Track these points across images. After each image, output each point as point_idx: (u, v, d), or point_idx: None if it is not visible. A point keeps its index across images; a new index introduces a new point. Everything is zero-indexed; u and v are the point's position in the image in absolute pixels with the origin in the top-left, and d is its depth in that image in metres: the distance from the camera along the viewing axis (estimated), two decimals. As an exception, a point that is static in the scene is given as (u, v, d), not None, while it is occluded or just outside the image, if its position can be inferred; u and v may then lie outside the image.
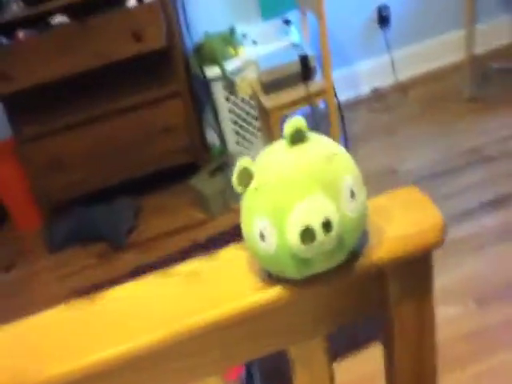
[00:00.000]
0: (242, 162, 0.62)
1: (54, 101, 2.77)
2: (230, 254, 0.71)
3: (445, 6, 3.19)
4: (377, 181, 2.47)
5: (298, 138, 0.62)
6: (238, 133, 2.97)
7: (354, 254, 0.64)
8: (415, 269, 0.68)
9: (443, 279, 1.85)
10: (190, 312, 0.64)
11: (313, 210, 0.58)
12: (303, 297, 0.67)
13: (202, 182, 2.75)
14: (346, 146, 2.73)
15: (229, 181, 2.59)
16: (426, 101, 3.07)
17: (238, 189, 0.63)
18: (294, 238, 0.58)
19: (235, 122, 2.94)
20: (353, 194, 0.61)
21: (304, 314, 0.69)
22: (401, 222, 0.67)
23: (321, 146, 0.63)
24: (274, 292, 0.64)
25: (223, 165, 2.82)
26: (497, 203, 2.27)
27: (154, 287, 0.69)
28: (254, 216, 0.61)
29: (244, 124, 2.96)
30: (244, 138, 2.99)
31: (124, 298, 0.69)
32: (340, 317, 0.71)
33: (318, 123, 2.76)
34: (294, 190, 0.59)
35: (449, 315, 1.82)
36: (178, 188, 2.93)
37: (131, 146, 2.84)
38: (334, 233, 0.58)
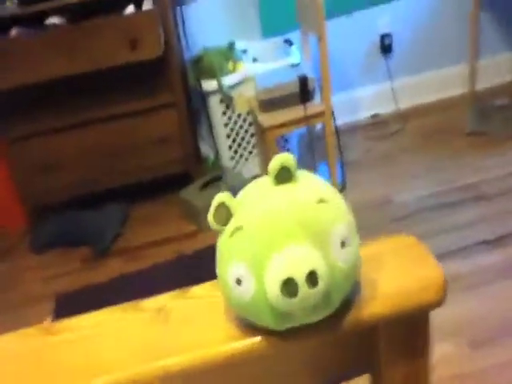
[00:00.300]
0: (220, 198, 0.55)
1: (46, 102, 2.72)
2: (205, 292, 0.64)
3: (448, 39, 3.19)
4: (371, 210, 2.43)
5: (284, 176, 0.55)
6: (232, 148, 2.92)
7: (343, 307, 0.57)
8: (410, 328, 0.61)
9: (435, 316, 1.76)
10: (153, 356, 0.57)
11: (297, 259, 0.51)
12: (282, 349, 0.60)
13: (194, 194, 2.71)
14: (342, 173, 2.67)
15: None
16: (425, 132, 3.03)
17: (214, 226, 0.56)
18: (273, 289, 0.51)
19: (230, 137, 2.89)
20: (343, 244, 0.54)
21: (283, 366, 0.63)
22: (397, 275, 0.60)
23: (310, 188, 0.56)
24: (249, 342, 0.57)
25: (216, 178, 2.77)
26: (493, 242, 2.21)
27: (120, 321, 0.63)
28: (231, 260, 0.55)
29: (239, 140, 2.91)
30: (239, 153, 2.94)
31: (87, 329, 0.63)
32: (325, 371, 0.64)
33: (315, 146, 2.71)
34: (276, 235, 0.52)
35: (441, 353, 1.76)
36: (168, 198, 2.89)
37: (123, 153, 2.81)
38: (320, 287, 0.51)
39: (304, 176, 0.57)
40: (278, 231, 0.52)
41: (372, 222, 2.32)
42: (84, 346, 0.60)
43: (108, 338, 0.61)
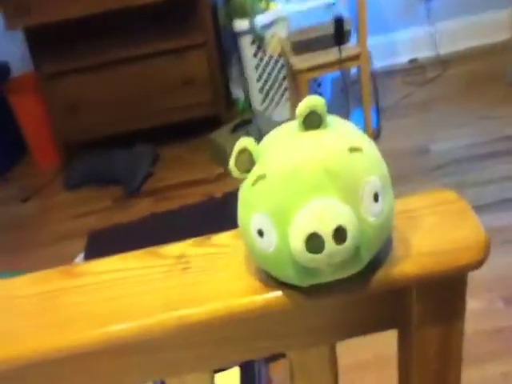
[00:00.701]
0: (242, 142, 0.51)
1: (77, 40, 2.73)
2: (227, 240, 0.60)
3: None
4: (405, 159, 2.36)
5: (313, 122, 0.50)
6: (263, 91, 2.85)
7: (372, 265, 0.52)
8: (446, 290, 0.57)
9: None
10: (174, 305, 0.54)
11: (324, 213, 0.46)
12: (304, 306, 0.56)
13: (224, 138, 2.68)
14: (377, 119, 2.59)
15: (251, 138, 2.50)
16: (465, 79, 2.92)
17: (235, 173, 0.51)
18: (297, 244, 0.47)
19: (261, 80, 2.82)
20: (376, 197, 0.49)
21: (305, 323, 0.59)
22: (433, 233, 0.55)
23: (341, 135, 0.51)
24: (271, 297, 0.54)
25: (246, 122, 2.73)
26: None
27: (139, 267, 0.60)
28: (253, 210, 0.51)
29: (271, 82, 2.85)
30: (270, 97, 2.87)
31: (105, 274, 0.60)
32: (349, 330, 0.60)
33: (349, 90, 2.62)
34: (302, 186, 0.48)
35: (474, 307, 1.72)
36: (198, 141, 2.88)
37: (152, 94, 2.80)
38: (348, 243, 0.46)
39: (335, 122, 0.52)
40: (304, 181, 0.48)
41: (406, 171, 2.25)
42: (102, 292, 0.58)
43: (127, 284, 0.58)
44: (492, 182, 2.24)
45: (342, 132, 0.51)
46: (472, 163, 2.35)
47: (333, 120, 0.52)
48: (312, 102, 0.49)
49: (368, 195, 0.49)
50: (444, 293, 0.57)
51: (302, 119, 0.50)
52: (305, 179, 0.48)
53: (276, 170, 0.49)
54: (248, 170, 0.51)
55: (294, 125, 0.51)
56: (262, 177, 0.50)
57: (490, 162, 2.34)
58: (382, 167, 0.52)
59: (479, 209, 0.57)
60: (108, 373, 0.59)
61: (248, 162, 0.51)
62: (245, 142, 0.51)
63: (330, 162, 0.48)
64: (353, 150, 0.49)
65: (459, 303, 0.58)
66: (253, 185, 0.50)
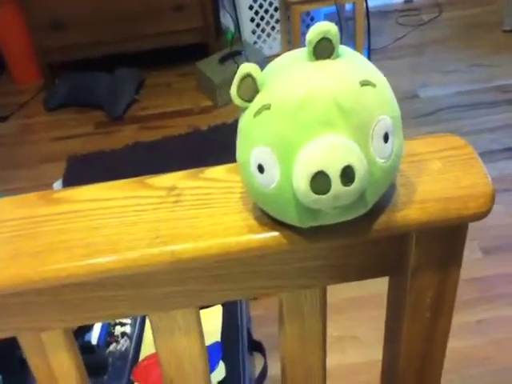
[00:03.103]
0: (246, 68, 0.46)
1: None
2: (221, 175, 0.57)
3: None
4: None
5: (325, 50, 0.46)
6: (255, 21, 2.77)
7: (375, 209, 0.49)
8: (447, 238, 0.54)
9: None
10: (165, 239, 0.51)
11: (332, 150, 0.43)
12: (302, 248, 0.54)
13: (211, 68, 2.61)
14: (368, 58, 2.53)
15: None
16: (460, 24, 2.85)
17: (237, 101, 0.47)
18: (301, 183, 0.43)
19: (253, 9, 2.73)
20: (386, 138, 0.46)
21: (300, 265, 0.57)
22: (439, 179, 0.52)
23: (354, 66, 0.47)
24: (267, 237, 0.51)
25: (235, 53, 2.65)
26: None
27: (127, 197, 0.56)
28: (254, 142, 0.47)
29: (263, 12, 2.76)
30: (261, 27, 2.79)
31: (90, 203, 0.56)
32: (343, 275, 0.58)
33: (342, 28, 2.54)
34: (310, 120, 0.44)
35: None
36: (184, 69, 2.80)
37: (139, 17, 2.70)
38: (355, 185, 0.43)
39: (347, 52, 0.48)
40: (313, 115, 0.44)
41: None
42: (86, 221, 0.54)
43: (112, 214, 0.54)
44: (477, 133, 2.21)
45: (356, 64, 0.47)
46: (460, 112, 2.32)
47: (345, 50, 0.47)
48: (325, 27, 0.45)
49: (378, 135, 0.45)
50: (444, 241, 0.55)
51: (312, 46, 0.45)
52: (314, 112, 0.44)
53: (282, 100, 0.45)
54: (251, 99, 0.47)
55: (303, 53, 0.47)
56: (266, 107, 0.46)
57: (478, 112, 2.30)
58: (395, 106, 0.48)
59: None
60: (90, 305, 0.56)
61: (251, 89, 0.47)
62: (248, 67, 0.46)
63: (342, 95, 0.44)
64: (366, 83, 0.45)
65: (457, 252, 0.56)
66: (255, 115, 0.46)
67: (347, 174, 0.42)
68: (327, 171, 0.42)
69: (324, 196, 0.43)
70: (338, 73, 0.45)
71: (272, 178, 0.46)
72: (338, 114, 0.44)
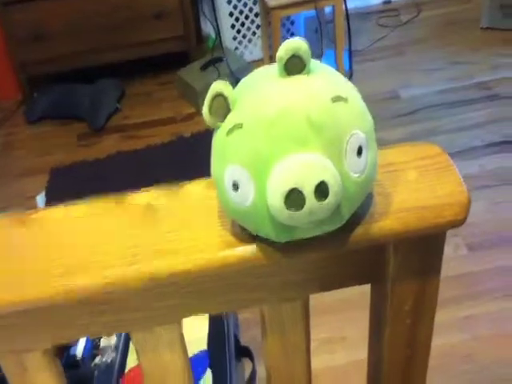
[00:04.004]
0: (217, 87, 0.46)
1: None
2: (199, 190, 0.57)
3: None
4: (376, 104, 2.32)
5: (295, 66, 0.46)
6: (235, 27, 2.77)
7: (352, 221, 0.50)
8: (424, 247, 0.55)
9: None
10: (143, 257, 0.51)
11: (305, 167, 0.43)
12: (280, 262, 0.54)
13: (193, 75, 2.61)
14: (350, 60, 2.54)
15: (221, 77, 2.45)
16: (439, 23, 2.87)
17: (209, 121, 0.48)
18: (275, 200, 0.43)
19: (233, 16, 2.73)
20: (360, 152, 0.46)
21: (279, 278, 0.57)
22: (414, 188, 0.53)
23: (326, 82, 0.47)
24: (245, 252, 0.51)
25: (217, 60, 2.65)
26: (500, 145, 2.13)
27: (102, 216, 0.56)
28: (227, 161, 0.47)
29: (243, 19, 2.76)
30: (242, 33, 2.79)
31: (65, 223, 0.56)
32: (323, 285, 0.59)
33: (322, 31, 2.55)
34: (282, 138, 0.44)
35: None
36: (166, 78, 2.79)
37: (119, 27, 2.68)
38: (329, 200, 0.43)
39: (318, 68, 0.48)
40: (285, 132, 0.44)
41: (376, 116, 2.19)
42: (60, 242, 0.54)
43: (88, 234, 0.54)
44: (459, 129, 2.22)
45: (327, 79, 0.47)
46: (442, 110, 2.33)
47: (316, 65, 0.48)
48: (294, 44, 0.45)
49: (352, 150, 0.46)
50: (422, 249, 0.55)
51: (283, 63, 0.46)
52: (286, 130, 0.44)
53: (254, 118, 0.45)
54: (223, 118, 0.47)
55: (274, 69, 0.47)
56: (238, 126, 0.46)
57: (459, 110, 2.32)
58: (368, 119, 0.48)
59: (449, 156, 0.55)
60: (70, 325, 0.56)
61: (223, 108, 0.47)
62: (219, 85, 0.47)
63: (314, 112, 0.44)
64: (338, 99, 0.46)
65: (436, 260, 0.57)
66: (228, 134, 0.47)
67: (321, 190, 0.43)
68: (301, 188, 0.42)
69: (299, 212, 0.43)
70: (309, 89, 0.46)
71: (247, 196, 0.46)
72: (310, 131, 0.44)
